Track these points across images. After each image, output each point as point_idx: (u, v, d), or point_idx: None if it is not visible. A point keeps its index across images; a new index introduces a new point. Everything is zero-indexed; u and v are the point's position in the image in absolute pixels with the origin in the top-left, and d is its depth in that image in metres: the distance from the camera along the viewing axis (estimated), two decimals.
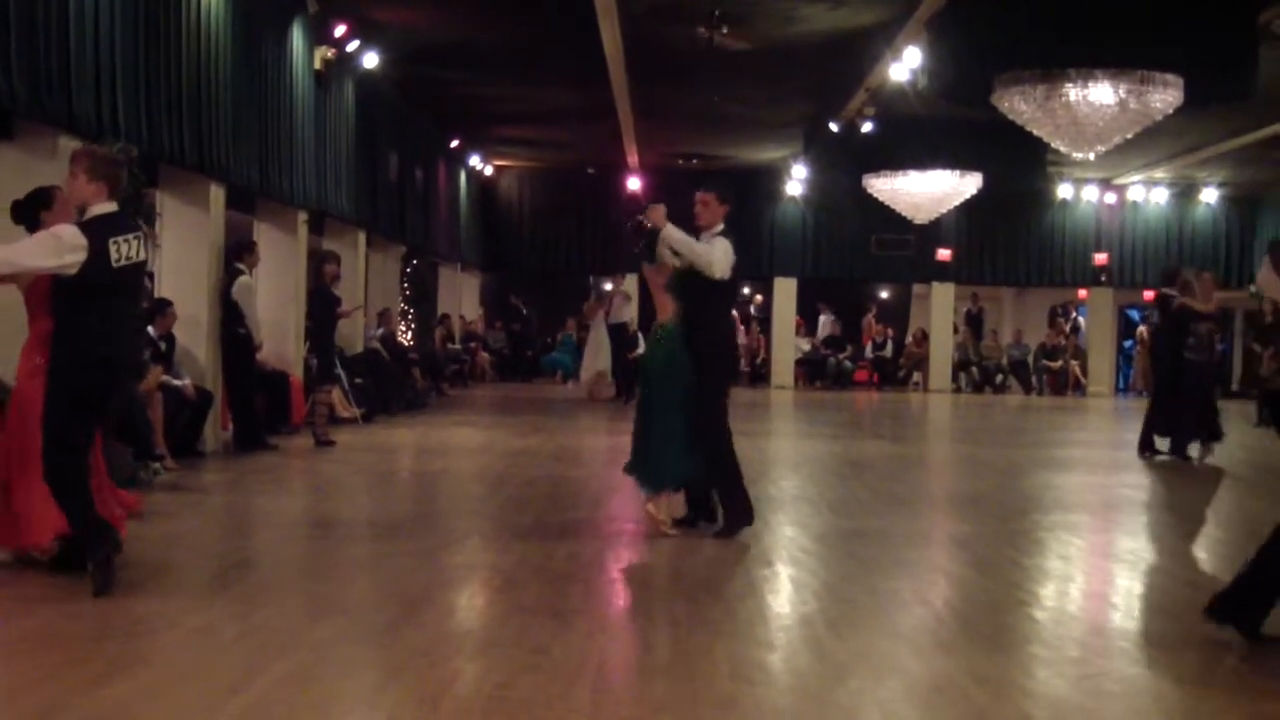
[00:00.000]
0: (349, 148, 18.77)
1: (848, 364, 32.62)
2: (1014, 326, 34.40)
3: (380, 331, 21.03)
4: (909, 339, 33.38)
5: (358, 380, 18.05)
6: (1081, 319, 33.73)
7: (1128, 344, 33.66)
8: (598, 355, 24.64)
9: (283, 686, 5.16)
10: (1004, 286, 34.27)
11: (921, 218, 26.16)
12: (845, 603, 7.08)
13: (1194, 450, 15.58)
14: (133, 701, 4.91)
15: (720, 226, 9.04)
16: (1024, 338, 33.32)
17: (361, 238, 20.21)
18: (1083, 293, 33.22)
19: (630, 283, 26.39)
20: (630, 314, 25.17)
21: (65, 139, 10.44)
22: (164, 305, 12.72)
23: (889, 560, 8.55)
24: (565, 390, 28.06)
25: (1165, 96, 15.82)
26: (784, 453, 16.12)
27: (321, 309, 15.19)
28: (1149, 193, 31.83)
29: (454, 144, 27.01)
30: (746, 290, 35.33)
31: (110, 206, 6.95)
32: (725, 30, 16.99)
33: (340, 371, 16.75)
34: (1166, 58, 15.46)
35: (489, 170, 31.10)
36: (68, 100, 10.34)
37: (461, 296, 30.66)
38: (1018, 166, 25.12)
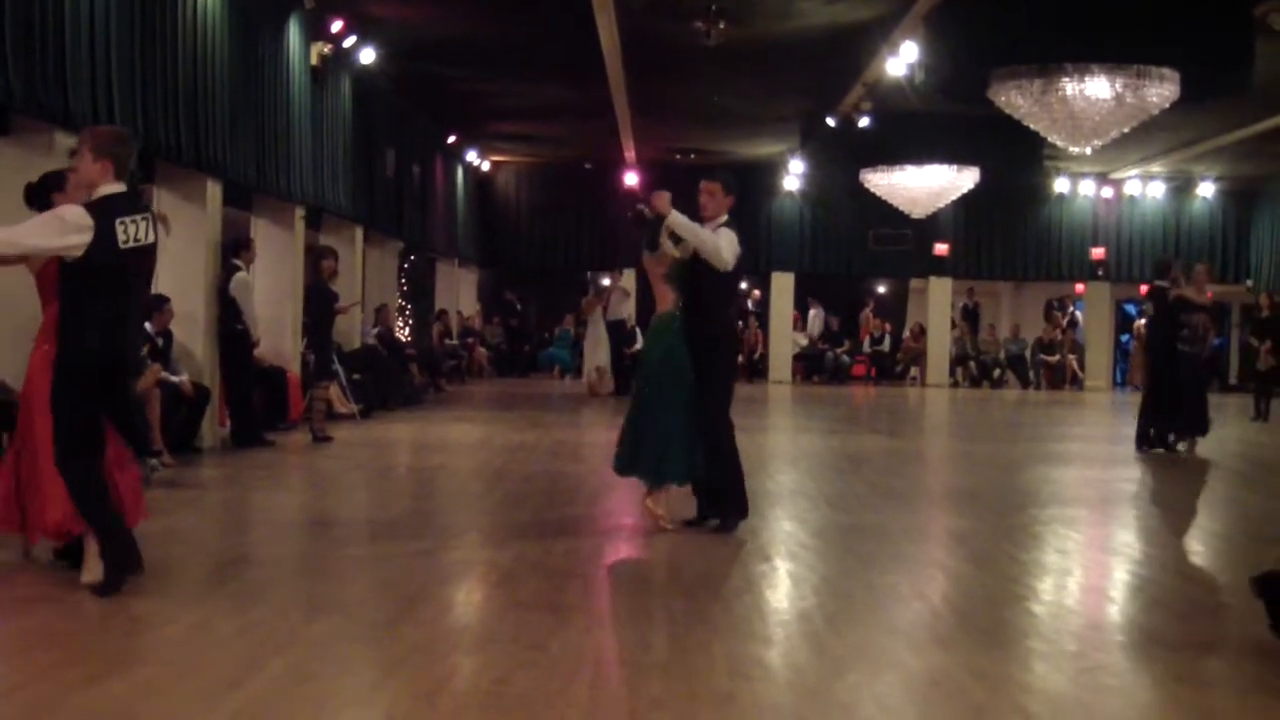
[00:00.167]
0: (346, 144, 18.76)
1: (845, 359, 32.63)
2: (1011, 321, 34.38)
3: (377, 330, 21.03)
4: (906, 334, 33.39)
5: (355, 376, 18.05)
6: (1079, 313, 33.75)
7: (1124, 338, 33.66)
8: (596, 351, 24.65)
9: (280, 683, 5.16)
10: (1001, 281, 34.29)
11: (919, 212, 26.19)
12: (843, 598, 7.08)
13: (1177, 442, 15.64)
14: (131, 698, 4.91)
15: (724, 217, 8.98)
16: (1021, 332, 33.32)
17: (359, 234, 20.20)
18: (1080, 287, 33.23)
19: (628, 278, 26.36)
20: (628, 310, 25.17)
21: (61, 135, 10.45)
22: (161, 302, 12.71)
23: (887, 555, 8.56)
24: (563, 385, 28.07)
25: (1162, 91, 15.82)
26: (782, 447, 16.12)
27: (319, 305, 15.19)
28: (1146, 187, 31.84)
29: (451, 140, 27.00)
30: (744, 285, 35.32)
31: (117, 186, 6.79)
32: (722, 25, 16.98)
33: (338, 367, 16.76)
34: (1163, 52, 15.47)
35: (486, 166, 31.09)
36: (64, 96, 10.34)
37: (459, 292, 30.66)
38: (1015, 161, 25.16)
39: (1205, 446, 15.91)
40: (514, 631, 6.07)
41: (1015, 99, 16.35)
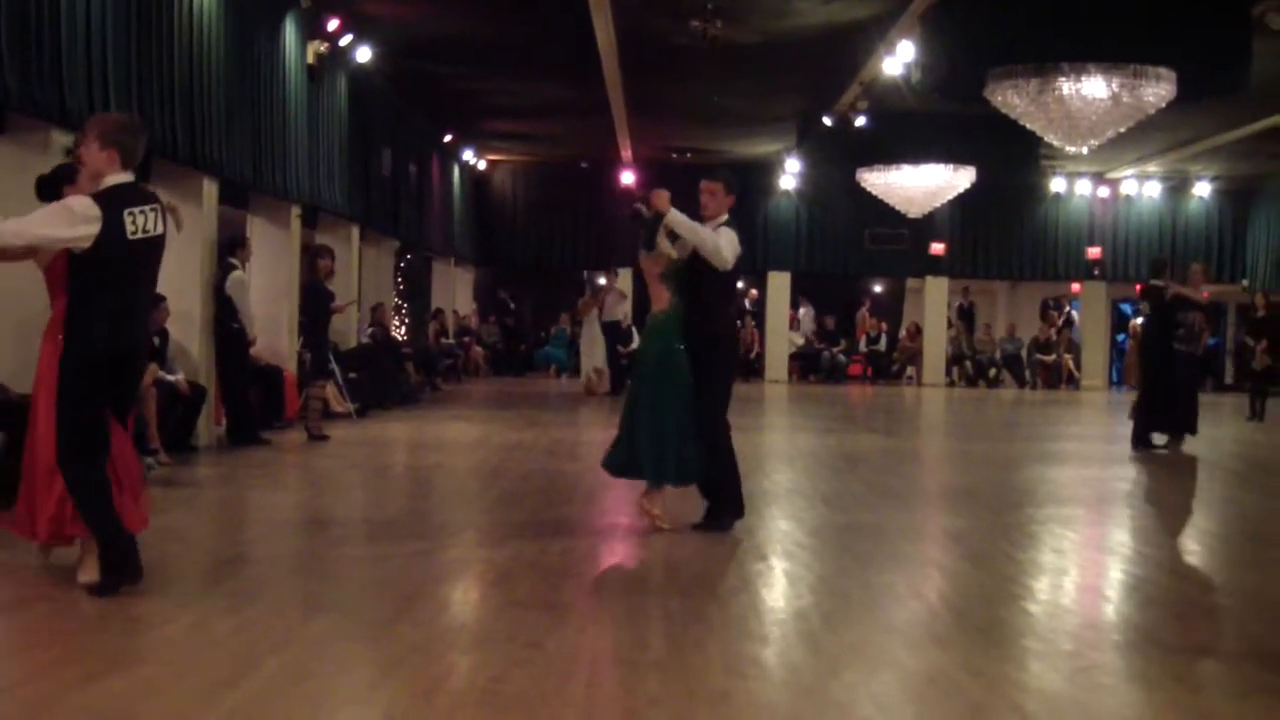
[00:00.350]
0: (342, 142, 18.76)
1: (841, 358, 32.64)
2: (1008, 320, 34.41)
3: (371, 329, 21.02)
4: (902, 333, 33.40)
5: (351, 375, 18.05)
6: (1075, 313, 33.77)
7: (1120, 338, 33.68)
8: (593, 352, 24.65)
9: (277, 682, 5.16)
10: (997, 281, 34.31)
11: (915, 212, 26.20)
12: (839, 597, 7.09)
13: (1159, 439, 15.68)
14: (128, 696, 4.90)
15: (725, 217, 8.93)
16: (1017, 332, 33.35)
17: (355, 232, 20.20)
18: (1076, 287, 33.26)
19: (624, 277, 26.35)
20: (624, 311, 25.15)
21: (58, 133, 10.44)
22: (157, 300, 12.69)
23: (883, 554, 8.56)
24: (559, 384, 28.06)
25: (1158, 90, 15.84)
26: (778, 447, 16.12)
27: (315, 304, 15.18)
28: (1142, 186, 31.87)
29: (447, 138, 26.99)
30: (740, 284, 35.28)
31: (124, 176, 6.65)
32: (719, 24, 16.99)
33: (334, 366, 16.75)
34: (1159, 51, 15.49)
35: (482, 165, 31.09)
36: (59, 94, 10.33)
37: (455, 291, 30.66)
38: (1011, 160, 25.19)
39: (1201, 446, 15.95)
40: (511, 630, 6.07)
41: (1012, 98, 16.36)
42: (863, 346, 33.08)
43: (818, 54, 18.97)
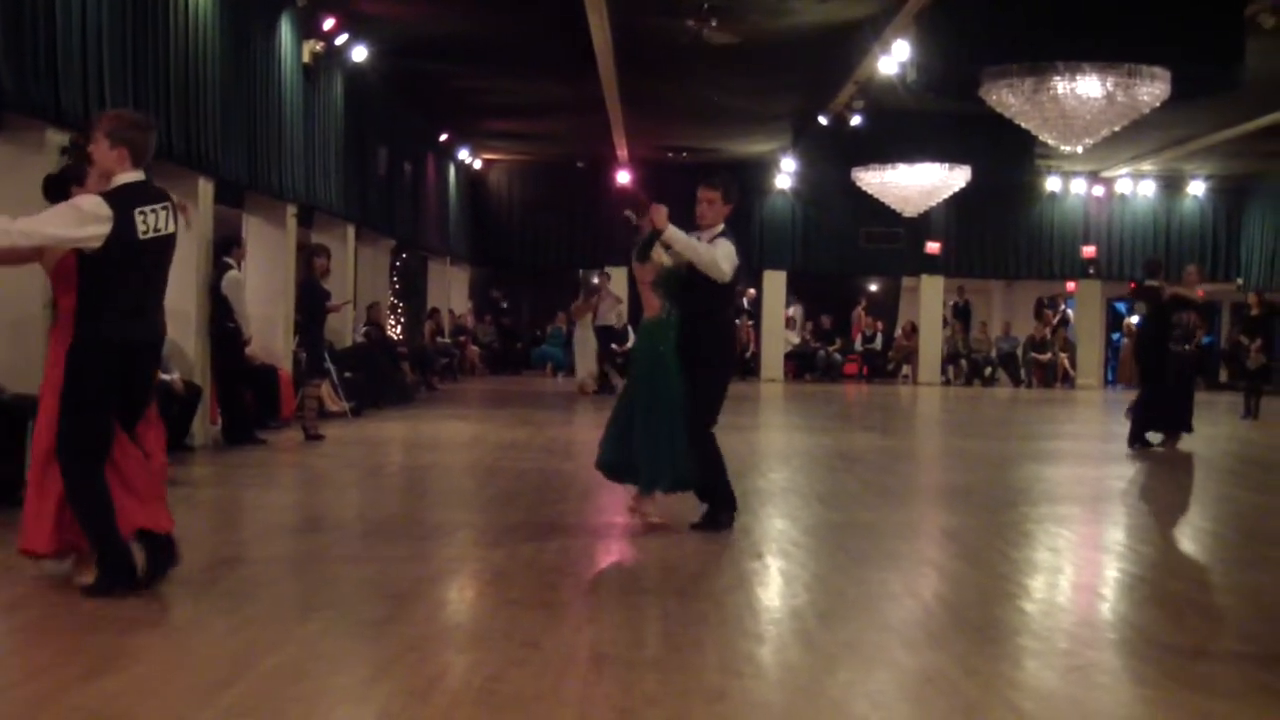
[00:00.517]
0: (338, 141, 18.75)
1: (837, 357, 32.66)
2: (1003, 319, 34.45)
3: (365, 328, 21.01)
4: (898, 332, 33.44)
5: (347, 374, 18.04)
6: (1070, 312, 33.80)
7: (1115, 336, 33.73)
8: (585, 354, 24.61)
9: (272, 681, 5.16)
10: (993, 279, 34.34)
11: (910, 211, 26.22)
12: (835, 595, 7.10)
13: (1154, 437, 15.72)
14: (123, 696, 4.90)
15: (721, 226, 8.85)
16: (1013, 330, 33.38)
17: (351, 231, 20.19)
18: (1071, 285, 33.30)
19: (620, 277, 26.34)
20: (617, 315, 25.13)
21: (53, 132, 10.44)
22: None
23: (879, 553, 8.56)
24: (555, 383, 28.06)
25: (1152, 89, 15.86)
26: (774, 445, 16.14)
27: (311, 303, 15.17)
28: (1136, 185, 31.90)
29: (443, 138, 26.98)
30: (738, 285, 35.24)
31: (135, 175, 6.53)
32: (714, 23, 16.99)
33: (329, 366, 16.74)
34: (1154, 51, 15.50)
35: (478, 164, 31.08)
36: (55, 93, 10.32)
37: (451, 290, 30.65)
38: (1006, 159, 25.20)
39: (1196, 444, 16.00)
40: (507, 629, 6.07)
41: (1007, 97, 16.38)
42: (858, 345, 33.11)
43: (813, 53, 18.97)
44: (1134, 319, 26.79)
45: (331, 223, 19.42)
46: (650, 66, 20.05)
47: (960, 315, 32.90)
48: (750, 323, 32.38)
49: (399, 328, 25.18)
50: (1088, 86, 15.81)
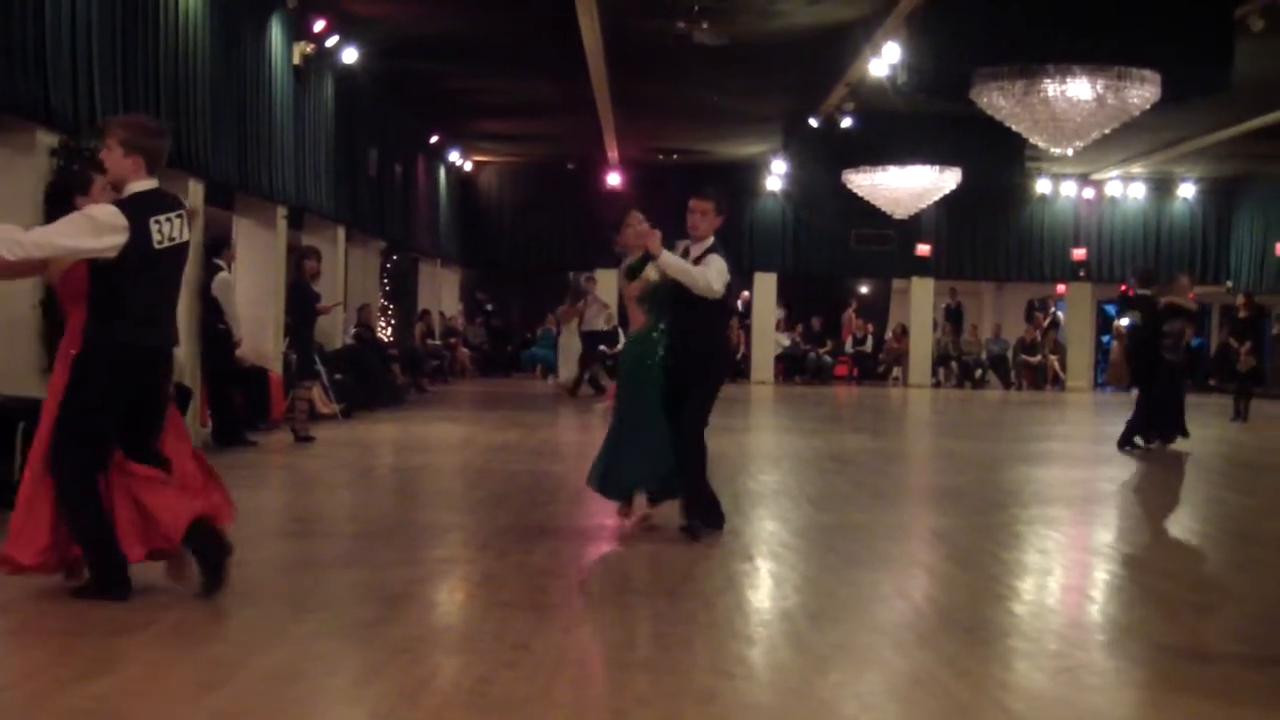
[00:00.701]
0: (328, 143, 18.74)
1: (827, 359, 32.67)
2: (993, 321, 34.49)
3: (355, 329, 21.00)
4: (889, 334, 33.46)
5: (337, 376, 18.02)
6: (1060, 314, 33.86)
7: (1105, 339, 33.76)
8: (569, 359, 24.53)
9: (263, 683, 5.16)
10: (983, 282, 34.37)
11: (901, 213, 26.24)
12: (825, 597, 7.10)
13: (1141, 440, 15.79)
14: (114, 698, 4.89)
15: (711, 240, 8.78)
16: (1003, 332, 33.43)
17: (341, 233, 20.18)
18: (1061, 288, 33.35)
19: (608, 280, 26.28)
20: (604, 320, 25.07)
21: (42, 133, 10.42)
22: None
23: (869, 554, 8.57)
24: (545, 385, 28.03)
25: (1143, 92, 15.89)
26: (764, 447, 16.14)
27: (301, 305, 15.16)
28: (1127, 188, 31.96)
29: (434, 139, 26.99)
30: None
31: (150, 183, 6.40)
32: (705, 25, 17.00)
33: (320, 367, 16.73)
34: (1144, 53, 15.53)
35: (469, 165, 31.07)
36: (44, 94, 10.30)
37: (441, 292, 30.63)
38: (997, 162, 25.23)
39: (1186, 446, 16.04)
40: (497, 631, 6.07)
41: (997, 100, 16.40)
42: (849, 347, 33.11)
43: (804, 55, 18.99)
44: (1124, 322, 26.79)
45: (322, 224, 19.41)
46: (641, 68, 20.06)
47: (952, 317, 32.93)
48: (739, 326, 32.37)
49: (389, 329, 25.14)
50: (1078, 89, 15.84)
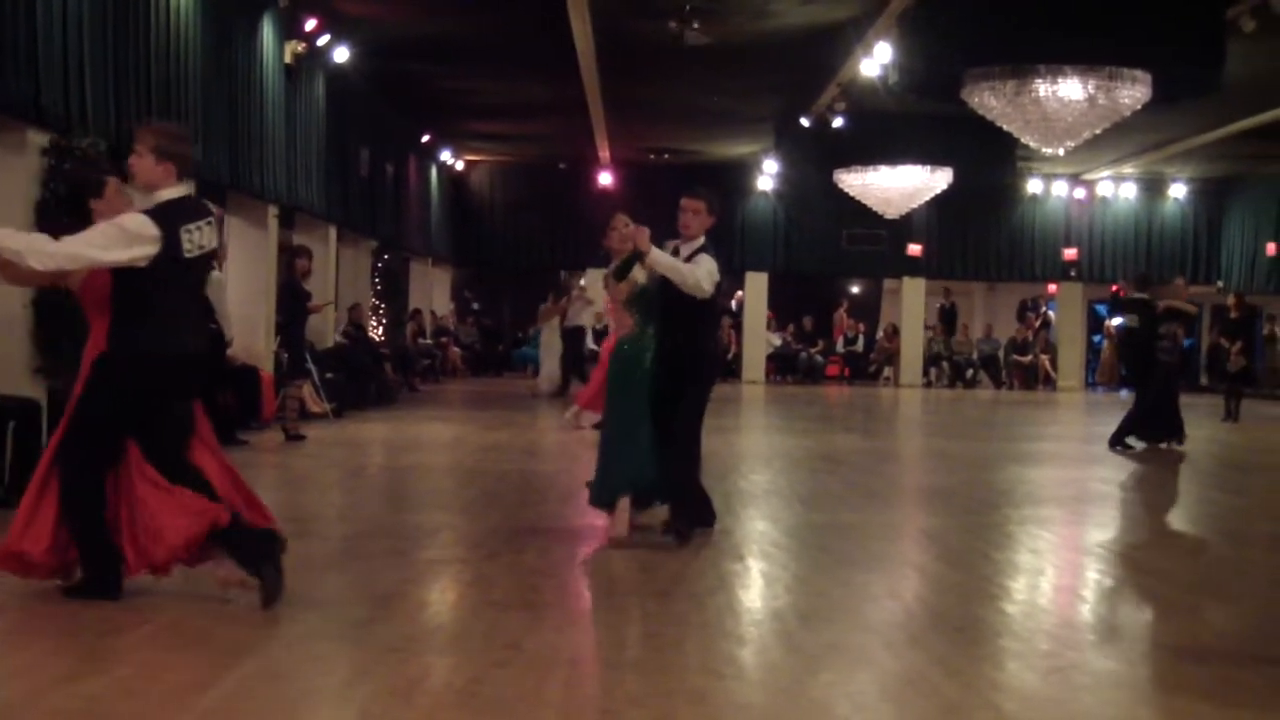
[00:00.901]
0: (320, 142, 18.73)
1: (819, 359, 32.69)
2: (985, 321, 34.53)
3: (343, 328, 20.97)
4: (880, 334, 33.48)
5: (329, 375, 18.00)
6: (1051, 314, 33.90)
7: (1096, 339, 33.83)
8: (550, 358, 24.41)
9: (254, 682, 5.15)
10: (975, 281, 34.40)
11: (892, 213, 26.26)
12: (816, 596, 7.10)
13: (1134, 442, 15.84)
14: (105, 698, 4.88)
15: (702, 240, 8.70)
16: (994, 332, 33.46)
17: (332, 232, 20.16)
18: (1053, 288, 33.39)
19: (593, 279, 26.28)
20: (589, 316, 25.03)
21: (33, 132, 10.40)
22: None
23: (860, 554, 8.57)
24: (537, 384, 28.01)
25: (1133, 92, 15.91)
26: (755, 447, 16.15)
27: (292, 304, 15.14)
28: (1118, 188, 32.00)
29: (425, 139, 26.97)
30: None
31: (180, 190, 6.32)
32: (696, 25, 17.00)
33: (311, 366, 16.70)
34: (1135, 53, 15.55)
35: (460, 165, 31.06)
36: (35, 93, 10.29)
37: (433, 291, 30.62)
38: (988, 162, 25.26)
39: (1178, 447, 16.07)
40: (488, 630, 6.07)
41: (988, 100, 16.41)
42: (840, 347, 33.13)
43: (795, 55, 19.00)
44: (1115, 322, 26.86)
45: (313, 223, 19.39)
46: (632, 68, 20.06)
47: (946, 317, 32.95)
48: (732, 324, 32.39)
49: (380, 329, 25.13)
50: (1069, 89, 15.85)
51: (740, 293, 31.94)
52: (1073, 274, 32.21)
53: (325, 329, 19.47)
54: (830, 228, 31.03)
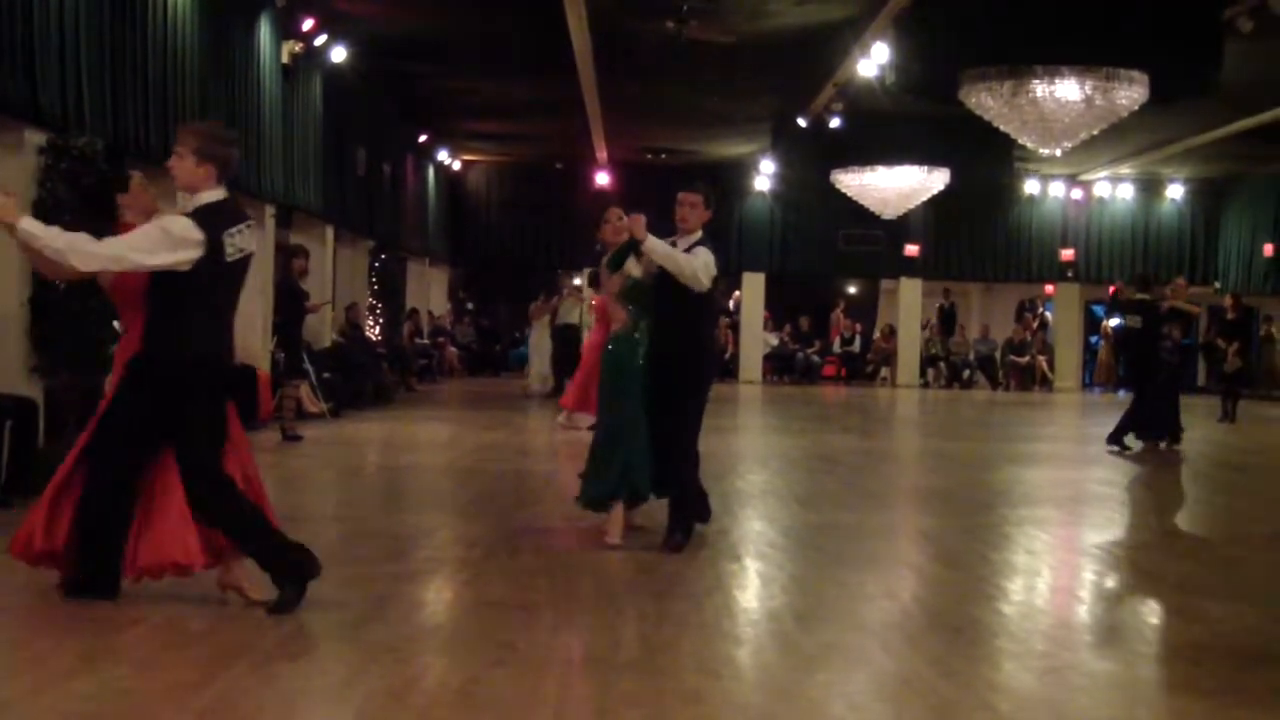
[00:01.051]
0: (317, 142, 18.71)
1: (815, 359, 32.69)
2: (981, 322, 34.54)
3: (344, 328, 20.95)
4: (877, 334, 33.48)
5: (326, 375, 17.99)
6: (1049, 314, 33.90)
7: (1094, 339, 33.84)
8: (540, 357, 24.37)
9: (249, 682, 5.15)
10: (972, 282, 34.41)
11: (889, 213, 26.26)
12: (813, 597, 7.10)
13: (1132, 442, 15.86)
14: (99, 697, 4.88)
15: (699, 234, 8.61)
16: (991, 333, 33.45)
17: (329, 232, 20.15)
18: (1050, 288, 33.39)
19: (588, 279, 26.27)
20: (580, 314, 24.99)
21: (30, 132, 10.39)
22: None
23: (857, 555, 8.57)
24: (533, 385, 28.00)
25: (1131, 93, 15.92)
26: (752, 447, 16.15)
27: (289, 304, 15.13)
28: (1115, 189, 32.00)
29: (422, 138, 26.97)
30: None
31: (220, 193, 6.28)
32: (693, 25, 17.00)
33: (308, 366, 16.70)
34: (1132, 54, 15.56)
35: (457, 165, 31.05)
36: (32, 92, 10.27)
37: (430, 291, 30.60)
38: (985, 162, 25.28)
39: (1175, 447, 16.09)
40: (483, 630, 6.07)
41: (985, 100, 16.42)
42: (837, 347, 33.13)
43: (792, 55, 19.00)
44: (1112, 322, 26.87)
45: (310, 223, 19.37)
46: (629, 68, 20.05)
47: (945, 318, 32.95)
48: (729, 324, 32.38)
49: (377, 328, 25.12)
50: (1066, 90, 15.86)
51: (737, 293, 31.93)
52: (1069, 275, 32.20)
53: (322, 329, 19.45)
54: (827, 228, 31.02)
